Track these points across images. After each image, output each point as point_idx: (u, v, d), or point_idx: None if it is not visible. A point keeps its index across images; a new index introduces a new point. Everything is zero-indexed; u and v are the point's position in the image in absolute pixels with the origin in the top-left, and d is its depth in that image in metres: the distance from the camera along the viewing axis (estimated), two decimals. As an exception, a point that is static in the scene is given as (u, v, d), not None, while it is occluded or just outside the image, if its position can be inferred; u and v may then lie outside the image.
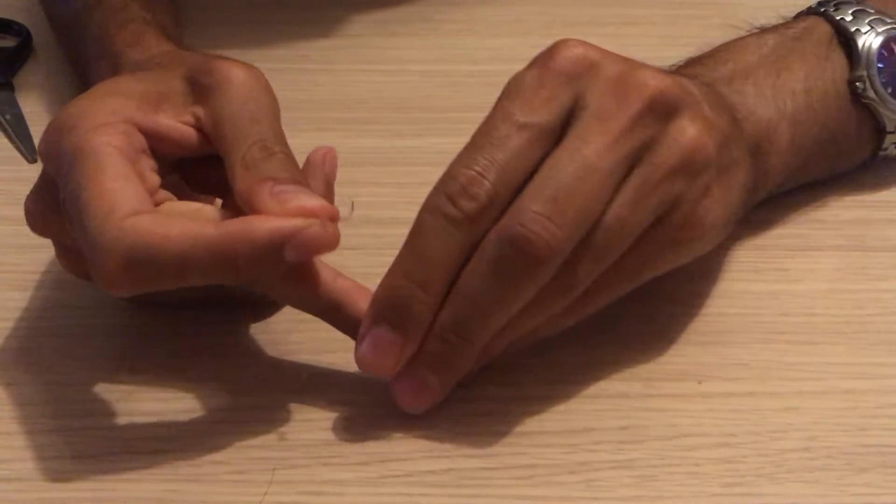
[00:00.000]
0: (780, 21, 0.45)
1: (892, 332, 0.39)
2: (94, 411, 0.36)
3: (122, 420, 0.36)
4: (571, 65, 0.35)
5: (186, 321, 0.39)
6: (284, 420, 0.36)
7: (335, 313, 0.36)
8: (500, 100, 0.35)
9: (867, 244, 0.43)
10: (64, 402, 0.37)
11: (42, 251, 0.40)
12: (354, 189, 0.46)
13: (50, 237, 0.37)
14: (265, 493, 0.34)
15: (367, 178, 0.47)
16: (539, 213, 0.33)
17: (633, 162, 0.34)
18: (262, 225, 0.33)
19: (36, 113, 0.52)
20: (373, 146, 0.49)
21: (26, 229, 0.38)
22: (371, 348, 0.34)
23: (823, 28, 0.43)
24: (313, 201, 0.34)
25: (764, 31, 0.44)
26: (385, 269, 0.41)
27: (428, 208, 0.34)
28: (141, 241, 0.32)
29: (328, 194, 0.38)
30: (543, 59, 0.36)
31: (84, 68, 0.47)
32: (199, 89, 0.37)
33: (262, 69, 0.53)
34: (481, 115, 0.50)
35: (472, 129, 0.52)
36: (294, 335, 0.39)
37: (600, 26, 0.57)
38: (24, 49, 0.56)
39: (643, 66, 0.36)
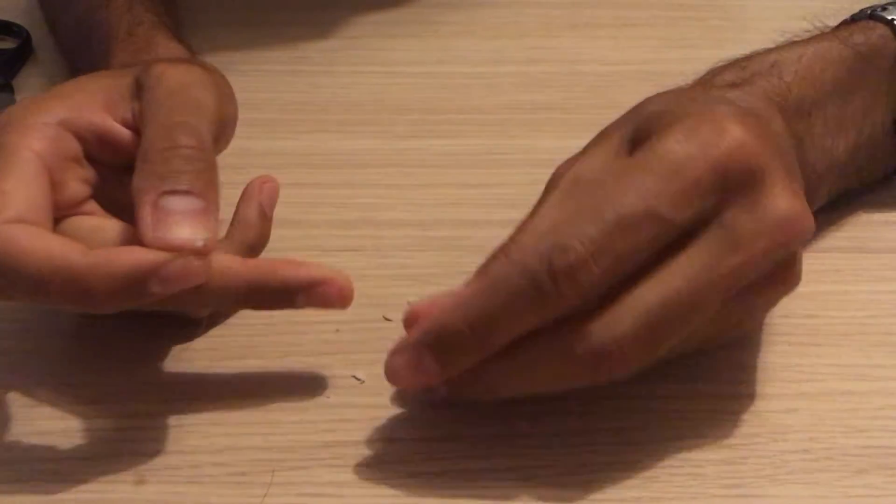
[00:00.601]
0: (848, 19, 0.43)
1: (892, 334, 0.39)
2: (91, 414, 0.36)
3: (119, 422, 0.36)
4: (736, 165, 0.32)
5: (184, 323, 0.39)
6: (283, 421, 0.36)
7: (261, 294, 0.34)
8: (643, 170, 0.32)
9: (867, 246, 0.43)
10: (65, 403, 0.37)
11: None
12: (353, 190, 0.46)
13: None
14: (265, 495, 0.34)
15: (365, 180, 0.47)
16: (628, 338, 0.31)
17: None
18: (124, 259, 0.32)
19: (35, 115, 0.52)
20: (372, 148, 0.49)
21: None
22: (407, 366, 0.33)
23: (891, 47, 0.41)
24: (186, 232, 0.32)
25: (840, 37, 0.41)
26: (383, 271, 0.41)
27: (522, 268, 0.31)
28: (2, 250, 0.32)
29: (262, 223, 0.38)
30: (706, 144, 0.32)
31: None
32: (139, 87, 0.37)
33: (261, 71, 0.53)
34: (480, 117, 0.51)
35: (471, 130, 0.52)
36: (292, 336, 0.39)
37: (599, 28, 0.57)
38: (23, 51, 0.56)
39: (799, 191, 0.33)
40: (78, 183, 0.36)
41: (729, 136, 0.32)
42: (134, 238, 0.34)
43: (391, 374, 0.33)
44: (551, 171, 0.47)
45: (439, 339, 0.32)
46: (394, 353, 0.33)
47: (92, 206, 0.36)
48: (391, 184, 0.46)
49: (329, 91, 0.52)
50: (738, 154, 0.32)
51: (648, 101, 0.37)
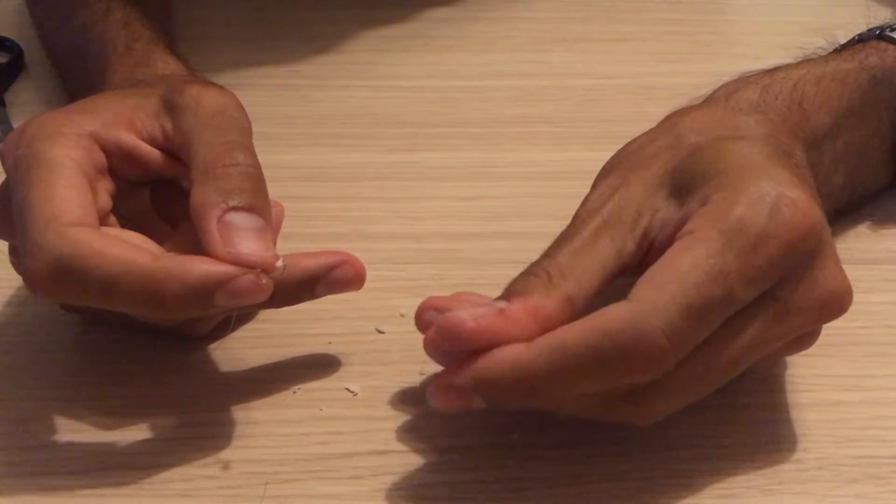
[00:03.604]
0: (856, 38, 0.43)
1: (882, 345, 0.39)
2: (87, 427, 0.36)
3: (114, 435, 0.36)
4: (805, 244, 0.32)
5: (180, 340, 0.39)
6: (276, 434, 0.36)
7: (285, 288, 0.34)
8: (719, 244, 0.31)
9: (856, 257, 0.43)
10: (56, 417, 0.37)
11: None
12: (345, 203, 0.47)
13: (5, 239, 0.37)
14: (258, 508, 0.34)
15: (358, 193, 0.47)
16: (675, 404, 0.33)
17: None
18: (197, 266, 0.32)
19: (28, 129, 0.52)
20: (365, 161, 0.49)
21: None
22: (455, 401, 0.31)
23: None
24: (253, 249, 0.33)
25: (857, 59, 0.42)
26: (375, 284, 0.41)
27: (598, 352, 0.30)
28: (77, 251, 0.32)
29: None
30: (781, 221, 0.32)
31: (87, 87, 0.46)
32: (171, 107, 0.37)
33: (254, 85, 0.53)
34: (472, 131, 0.51)
35: (462, 143, 0.52)
36: (285, 349, 0.39)
37: (590, 42, 0.57)
38: (15, 65, 0.56)
39: (838, 259, 0.34)
40: (105, 194, 0.36)
41: (799, 209, 0.32)
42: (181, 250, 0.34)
43: (437, 400, 0.32)
44: (542, 183, 0.47)
45: (493, 391, 0.31)
46: (445, 388, 0.31)
47: (112, 218, 0.37)
48: (383, 197, 0.47)
49: (321, 105, 0.53)
50: (807, 230, 0.32)
51: (683, 124, 0.36)
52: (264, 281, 0.33)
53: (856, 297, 0.41)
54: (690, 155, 0.35)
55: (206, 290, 0.32)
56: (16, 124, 0.52)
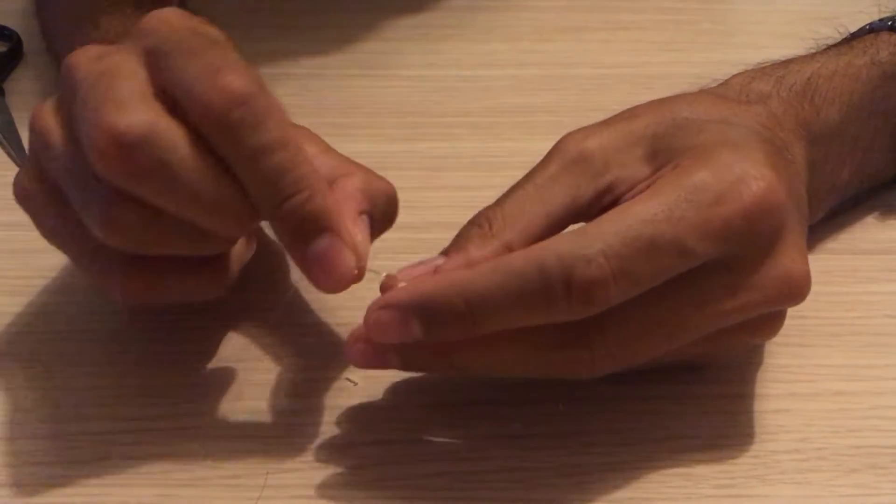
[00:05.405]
0: (867, 28, 0.43)
1: (882, 335, 0.39)
2: (88, 416, 0.36)
3: (115, 425, 0.36)
4: (765, 216, 0.32)
5: (179, 327, 0.39)
6: (278, 424, 0.36)
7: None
8: (678, 196, 0.32)
9: (857, 247, 0.43)
10: (58, 406, 0.37)
11: (35, 256, 0.40)
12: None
13: (45, 213, 0.35)
14: (259, 498, 0.34)
15: (359, 183, 0.47)
16: (608, 347, 0.32)
17: None
18: (331, 200, 0.32)
19: (26, 118, 0.51)
20: (365, 151, 0.48)
21: (19, 234, 0.38)
22: (392, 324, 0.32)
23: None
24: (363, 252, 0.34)
25: (869, 54, 0.42)
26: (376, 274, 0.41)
27: (538, 267, 0.31)
28: (268, 91, 0.34)
29: (249, 242, 0.38)
30: (743, 188, 0.32)
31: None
32: None
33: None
34: (473, 120, 0.51)
35: (463, 133, 0.52)
36: (286, 339, 0.39)
37: (591, 31, 0.57)
38: (14, 54, 0.56)
39: (805, 247, 0.34)
40: None
41: (764, 184, 0.32)
42: None
43: (374, 326, 0.32)
44: (543, 173, 0.47)
45: (431, 308, 0.31)
46: (382, 307, 0.32)
47: None
48: (384, 186, 0.46)
49: (320, 94, 0.52)
50: (769, 205, 0.32)
51: (682, 101, 0.37)
52: (356, 272, 0.33)
53: (857, 287, 0.41)
54: (677, 127, 0.35)
55: (322, 222, 0.32)
56: (15, 114, 0.52)
